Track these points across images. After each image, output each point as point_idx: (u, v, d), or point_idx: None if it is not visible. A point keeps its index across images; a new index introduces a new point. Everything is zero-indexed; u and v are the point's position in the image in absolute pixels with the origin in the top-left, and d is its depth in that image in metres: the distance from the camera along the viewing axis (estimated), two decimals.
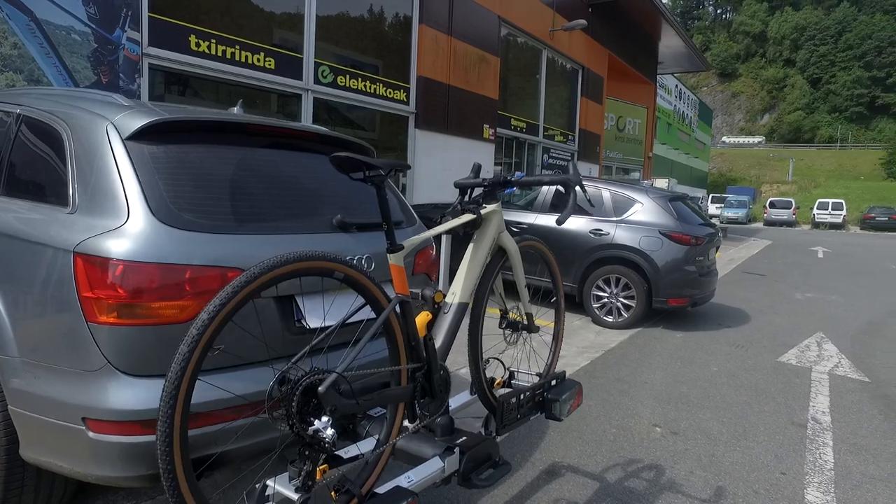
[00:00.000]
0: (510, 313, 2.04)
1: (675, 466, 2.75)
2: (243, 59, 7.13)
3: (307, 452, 1.22)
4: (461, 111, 10.73)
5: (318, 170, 2.25)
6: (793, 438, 3.15)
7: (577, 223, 5.85)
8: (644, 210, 5.68)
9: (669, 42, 19.77)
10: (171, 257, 1.63)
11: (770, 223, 31.37)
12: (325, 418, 1.21)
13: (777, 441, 3.11)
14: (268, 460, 1.39)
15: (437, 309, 1.70)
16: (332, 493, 1.39)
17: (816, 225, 30.81)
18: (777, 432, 3.23)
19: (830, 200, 31.47)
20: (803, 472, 2.76)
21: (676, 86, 35.13)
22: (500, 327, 2.05)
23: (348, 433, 1.97)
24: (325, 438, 1.19)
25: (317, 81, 8.12)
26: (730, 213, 30.93)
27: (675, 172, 29.24)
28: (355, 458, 1.55)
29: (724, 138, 79.00)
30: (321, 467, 1.44)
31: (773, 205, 31.99)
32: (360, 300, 1.46)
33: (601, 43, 16.28)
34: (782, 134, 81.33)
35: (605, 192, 5.91)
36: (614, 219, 5.76)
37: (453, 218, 1.74)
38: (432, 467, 1.58)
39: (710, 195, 34.60)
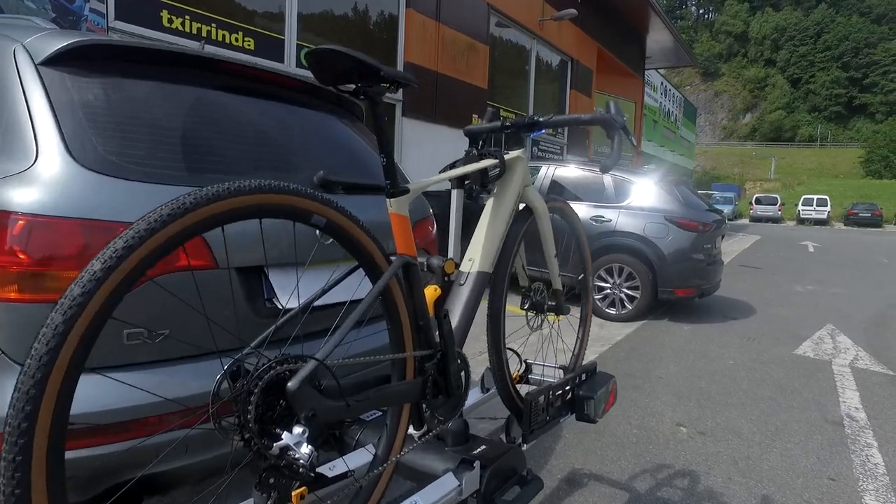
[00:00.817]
0: (534, 292, 1.66)
1: (710, 472, 2.40)
2: (220, 39, 6.67)
3: (272, 480, 0.83)
4: (450, 100, 10.35)
5: (296, 121, 1.86)
6: (832, 438, 2.83)
7: (576, 209, 5.49)
8: (648, 195, 5.35)
9: (657, 36, 19.64)
10: (98, 211, 1.23)
11: (756, 219, 31.45)
12: (298, 429, 0.82)
13: (816, 441, 2.78)
14: (220, 485, 1.00)
15: (448, 283, 1.32)
16: None
17: (802, 221, 30.91)
18: (813, 431, 2.90)
19: (815, 196, 31.58)
20: (853, 476, 2.43)
21: (662, 83, 35.11)
22: (521, 308, 1.67)
23: (332, 443, 1.59)
24: (298, 460, 0.80)
25: (299, 65, 7.68)
26: None
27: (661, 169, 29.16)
28: (344, 475, 1.16)
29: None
30: (297, 491, 1.07)
31: (758, 201, 32.07)
32: (349, 265, 1.08)
33: (590, 35, 16.04)
34: (764, 133, 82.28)
35: (607, 177, 5.57)
36: (616, 204, 5.42)
37: (467, 164, 1.35)
38: (445, 487, 1.20)
39: (696, 192, 34.64)
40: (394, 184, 1.04)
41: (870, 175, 54.32)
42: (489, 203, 1.45)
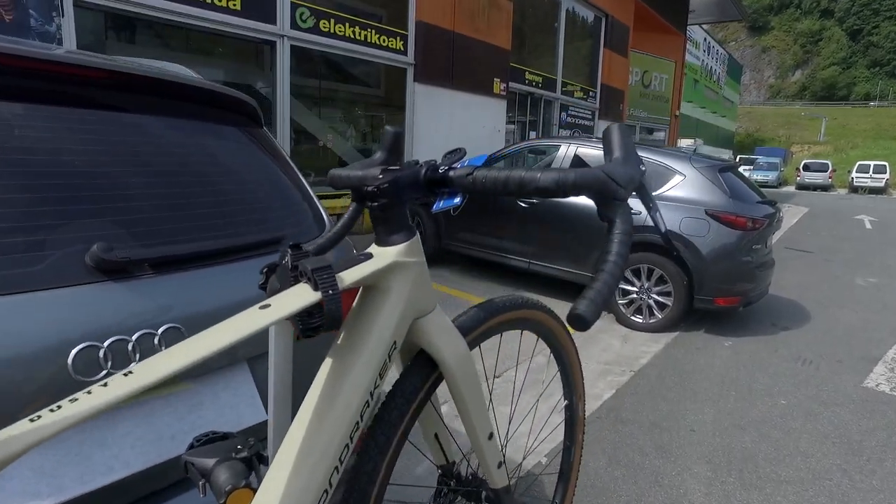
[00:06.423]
0: (458, 466, 0.93)
1: None
2: None
3: None
4: (467, 63, 9.39)
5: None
6: None
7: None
8: (687, 183, 4.47)
9: None
10: None
11: (803, 187, 29.37)
12: None
13: None
14: None
15: None
16: None
17: (855, 189, 28.67)
18: None
19: (872, 163, 29.03)
20: None
21: (705, 39, 32.85)
22: (434, 502, 0.94)
23: None
24: None
25: (294, 26, 6.90)
26: (759, 177, 28.91)
27: (700, 132, 27.33)
28: None
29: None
30: None
31: (806, 167, 29.82)
32: None
33: None
34: (814, 91, 77.28)
35: None
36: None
37: (269, 294, 0.63)
38: None
39: (738, 157, 32.49)
40: None
41: None
42: (325, 365, 0.70)
